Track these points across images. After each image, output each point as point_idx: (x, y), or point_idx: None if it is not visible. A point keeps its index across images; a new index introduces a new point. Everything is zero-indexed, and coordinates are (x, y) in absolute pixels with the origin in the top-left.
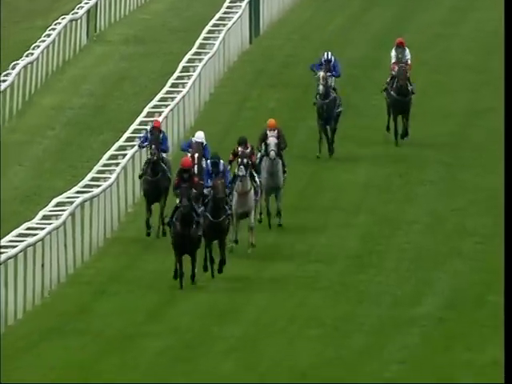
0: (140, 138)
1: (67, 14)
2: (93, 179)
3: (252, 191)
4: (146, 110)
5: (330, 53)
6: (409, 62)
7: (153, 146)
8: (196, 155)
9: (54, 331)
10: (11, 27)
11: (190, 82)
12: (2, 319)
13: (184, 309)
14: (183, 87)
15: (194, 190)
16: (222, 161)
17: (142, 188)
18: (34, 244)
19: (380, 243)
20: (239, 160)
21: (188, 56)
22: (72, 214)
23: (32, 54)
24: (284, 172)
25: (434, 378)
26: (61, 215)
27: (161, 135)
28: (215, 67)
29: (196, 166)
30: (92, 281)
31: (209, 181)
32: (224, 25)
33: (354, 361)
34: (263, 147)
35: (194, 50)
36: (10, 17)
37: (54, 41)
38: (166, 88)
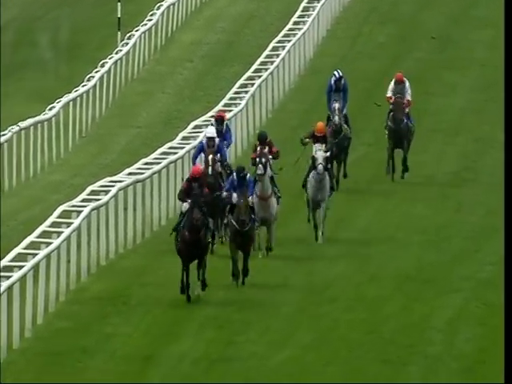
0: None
1: None
2: (225, 105)
3: (273, 198)
4: (272, 44)
5: (339, 71)
6: (409, 98)
7: (209, 157)
8: (210, 157)
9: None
10: None
11: (310, 19)
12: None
13: (304, 217)
14: (304, 24)
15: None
16: (248, 174)
17: None
18: (175, 161)
19: (475, 160)
20: (257, 160)
21: None
22: None
23: None
24: (331, 188)
25: None
26: (198, 136)
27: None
28: (332, 7)
29: (210, 169)
30: None
31: (233, 194)
32: None
33: (452, 263)
34: (310, 161)
35: None
36: None
37: None
38: (289, 25)
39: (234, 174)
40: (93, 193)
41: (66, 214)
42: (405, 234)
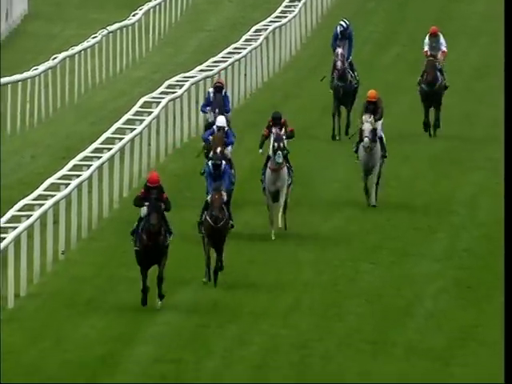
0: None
1: None
2: (282, 12)
3: (285, 168)
4: None
5: (346, 21)
6: (444, 49)
7: (216, 110)
8: (218, 150)
9: None
10: None
11: None
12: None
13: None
14: None
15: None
16: (223, 162)
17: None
18: (239, 59)
19: (495, 58)
20: (275, 144)
21: None
22: (266, 38)
23: None
24: (384, 156)
25: None
26: (258, 39)
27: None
28: None
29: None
30: (282, 88)
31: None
32: None
33: (476, 146)
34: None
35: None
36: None
37: None
38: None
39: (210, 164)
40: (170, 87)
41: (147, 105)
42: (433, 121)
